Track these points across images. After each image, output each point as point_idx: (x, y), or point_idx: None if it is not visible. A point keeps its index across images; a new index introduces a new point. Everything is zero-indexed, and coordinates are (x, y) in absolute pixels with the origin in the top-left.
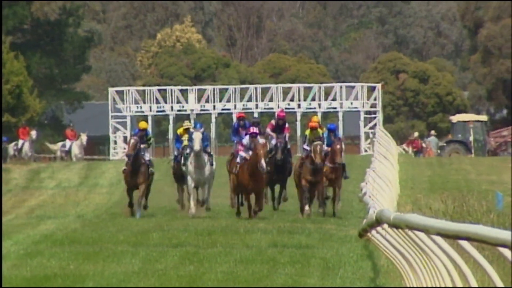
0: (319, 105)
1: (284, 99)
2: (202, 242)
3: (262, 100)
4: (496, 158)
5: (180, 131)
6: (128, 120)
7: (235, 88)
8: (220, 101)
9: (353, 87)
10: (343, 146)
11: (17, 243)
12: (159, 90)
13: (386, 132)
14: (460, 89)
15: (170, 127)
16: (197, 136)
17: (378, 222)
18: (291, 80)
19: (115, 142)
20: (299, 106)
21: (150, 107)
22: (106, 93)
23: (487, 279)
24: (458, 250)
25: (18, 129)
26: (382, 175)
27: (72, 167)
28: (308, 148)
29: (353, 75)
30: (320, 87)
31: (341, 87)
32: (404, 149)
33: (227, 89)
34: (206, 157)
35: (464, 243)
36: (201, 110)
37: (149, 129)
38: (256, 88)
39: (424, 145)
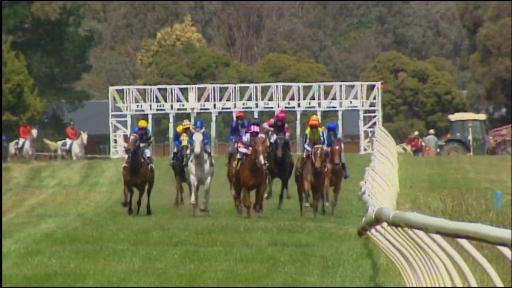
0: (319, 104)
1: (284, 98)
2: (202, 241)
3: (262, 99)
4: (495, 156)
5: (179, 128)
6: (128, 119)
7: (235, 87)
8: (220, 100)
9: (352, 86)
10: (343, 146)
11: (18, 242)
12: (159, 89)
13: (386, 131)
14: (459, 88)
15: (170, 126)
16: (198, 137)
17: (378, 220)
18: (291, 79)
19: (115, 141)
20: (298, 105)
21: (150, 106)
22: (106, 92)
23: (486, 278)
24: (457, 249)
25: (19, 128)
26: (382, 173)
27: (72, 166)
28: (309, 149)
29: (353, 74)
30: (319, 86)
31: (340, 86)
32: (403, 148)
33: (227, 88)
34: (206, 156)
35: (463, 242)
36: (201, 109)
37: (149, 128)
38: (256, 87)
39: (423, 144)
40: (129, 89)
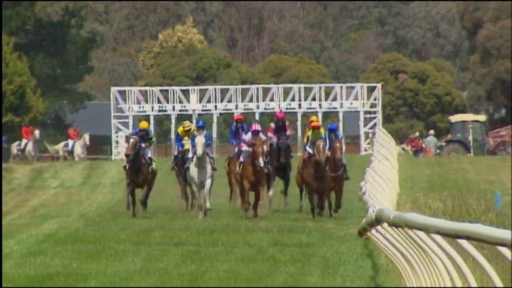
0: (320, 105)
1: (285, 99)
2: (204, 241)
3: (263, 100)
4: (495, 157)
5: (180, 130)
6: (130, 120)
7: (236, 88)
8: (222, 101)
9: (353, 87)
10: (344, 145)
11: (20, 242)
12: (161, 90)
13: (386, 132)
14: (459, 89)
15: (172, 127)
16: (200, 140)
17: (378, 221)
18: (291, 81)
19: (117, 142)
20: (299, 106)
21: (152, 107)
22: (108, 93)
23: (486, 278)
24: (457, 249)
25: (21, 129)
26: (382, 174)
27: (74, 166)
28: (311, 151)
29: (353, 76)
30: (320, 87)
31: (341, 87)
32: (403, 148)
33: (228, 89)
34: (208, 158)
35: (463, 242)
36: (203, 110)
37: (151, 129)
38: (257, 88)
39: (423, 145)
40: (131, 90)
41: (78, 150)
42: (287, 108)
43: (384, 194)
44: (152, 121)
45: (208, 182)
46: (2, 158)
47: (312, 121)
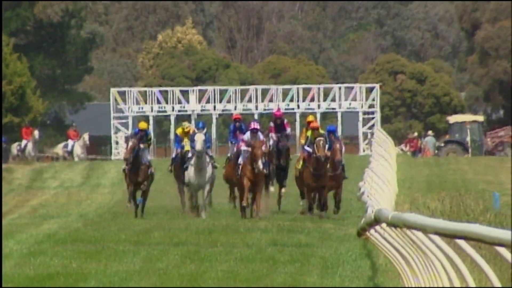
0: (318, 105)
1: (283, 100)
2: (203, 241)
3: (262, 101)
4: (493, 158)
5: (179, 131)
6: (129, 120)
7: (235, 89)
8: (221, 101)
9: (351, 88)
10: (343, 146)
11: (20, 242)
12: (160, 91)
13: (384, 132)
14: (457, 90)
15: (172, 127)
16: (200, 137)
17: (377, 221)
18: (290, 81)
19: (117, 142)
20: (298, 106)
21: (152, 108)
22: (108, 93)
23: (484, 278)
24: (456, 249)
25: (21, 129)
26: (380, 174)
27: (74, 167)
28: (310, 150)
29: (352, 76)
30: (319, 88)
31: (340, 88)
32: (401, 149)
33: (227, 90)
34: (208, 159)
35: (462, 242)
36: (202, 110)
37: (151, 129)
38: (256, 89)
39: (422, 145)
40: (130, 91)
41: (78, 150)
42: (286, 109)
43: (382, 195)
44: (151, 122)
45: (207, 187)
46: (2, 159)
47: (310, 121)
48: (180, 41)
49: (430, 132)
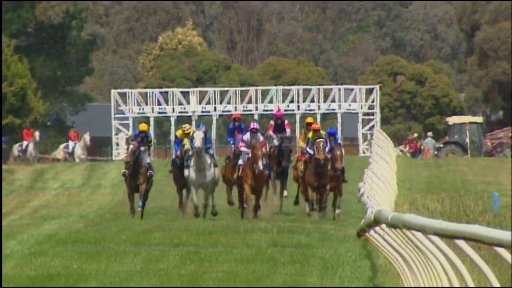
0: (318, 106)
1: (283, 101)
2: (203, 242)
3: (262, 102)
4: (492, 159)
5: (179, 133)
6: (130, 121)
7: (235, 90)
8: (221, 103)
9: (351, 89)
10: (343, 151)
11: (21, 243)
12: (161, 92)
13: (384, 134)
14: (457, 91)
15: (172, 128)
16: (199, 134)
17: (376, 222)
18: (290, 83)
19: (117, 144)
20: (298, 107)
21: (152, 109)
22: (108, 95)
23: (484, 278)
24: (455, 250)
25: (22, 130)
26: (380, 175)
27: (75, 168)
28: (311, 152)
29: (352, 78)
30: (319, 89)
31: (339, 89)
32: (401, 150)
33: (227, 91)
34: (208, 159)
35: (461, 243)
36: (202, 111)
37: (151, 131)
38: (256, 90)
39: (422, 147)
40: (131, 92)
41: (79, 151)
42: (286, 110)
43: (382, 195)
44: (152, 123)
45: (210, 187)
46: (1, 159)
47: (309, 123)
48: (180, 42)
49: (429, 133)
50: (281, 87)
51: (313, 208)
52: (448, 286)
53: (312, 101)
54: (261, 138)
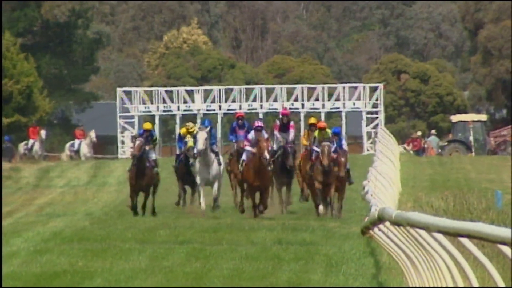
0: (323, 105)
1: (288, 99)
2: (208, 239)
3: (267, 100)
4: (495, 157)
5: (183, 131)
6: (135, 119)
7: (240, 89)
8: (226, 101)
9: (355, 87)
10: (348, 155)
11: (27, 241)
12: (166, 90)
13: (388, 132)
14: (460, 90)
15: (177, 126)
16: (201, 135)
17: (380, 219)
18: (295, 81)
19: (123, 142)
20: (302, 106)
21: (158, 107)
22: (114, 93)
23: (487, 276)
24: (459, 248)
25: (28, 129)
26: (384, 173)
27: (81, 166)
28: (318, 150)
29: (356, 76)
30: (323, 88)
31: (344, 87)
32: (404, 148)
33: (232, 89)
34: (213, 156)
35: (465, 241)
36: (207, 110)
37: (156, 129)
38: (261, 89)
39: (425, 145)
40: (136, 91)
41: (85, 149)
42: (290, 108)
43: (386, 193)
44: (157, 121)
45: (215, 185)
46: (1, 158)
47: (313, 124)
48: (185, 41)
49: (433, 132)
50: (285, 86)
51: (320, 203)
52: (452, 283)
53: (317, 99)
54: (266, 135)
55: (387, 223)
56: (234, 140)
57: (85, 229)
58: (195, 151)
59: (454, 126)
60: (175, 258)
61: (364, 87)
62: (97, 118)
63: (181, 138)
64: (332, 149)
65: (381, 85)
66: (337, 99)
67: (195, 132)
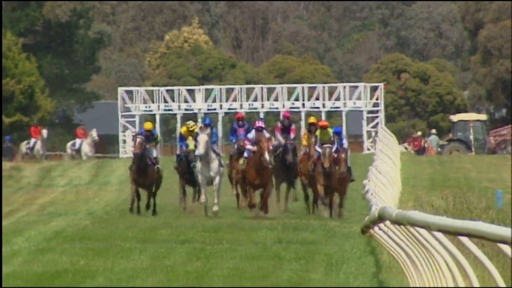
0: (323, 104)
1: (289, 99)
2: (209, 239)
3: (268, 100)
4: (495, 156)
5: (183, 129)
6: (137, 119)
7: (241, 88)
8: (227, 100)
9: (356, 87)
10: (349, 153)
11: (29, 240)
12: (167, 90)
13: (388, 131)
14: (460, 89)
15: (178, 126)
16: (203, 138)
17: (381, 218)
18: (295, 81)
19: (124, 141)
20: (303, 105)
21: (159, 107)
22: (115, 93)
23: (487, 275)
24: (459, 247)
25: (30, 128)
26: (384, 173)
27: (82, 165)
28: (320, 151)
29: (356, 76)
30: (324, 87)
31: (344, 87)
32: (405, 148)
33: (233, 89)
34: (213, 155)
35: (465, 240)
36: (208, 109)
37: (157, 128)
38: (261, 88)
39: (426, 144)
40: (137, 90)
41: (86, 148)
42: (291, 108)
43: (386, 192)
44: (158, 120)
45: (216, 180)
46: (1, 157)
47: (312, 123)
48: (186, 41)
49: (433, 131)
50: (286, 85)
51: (324, 203)
52: (452, 282)
53: (317, 99)
54: (267, 135)
55: (388, 222)
56: (234, 140)
57: (86, 228)
58: (196, 153)
59: (454, 125)
60: (176, 258)
61: (364, 86)
62: (99, 118)
63: (182, 137)
64: (333, 149)
65: (381, 85)
66: (338, 99)
67: (196, 131)
